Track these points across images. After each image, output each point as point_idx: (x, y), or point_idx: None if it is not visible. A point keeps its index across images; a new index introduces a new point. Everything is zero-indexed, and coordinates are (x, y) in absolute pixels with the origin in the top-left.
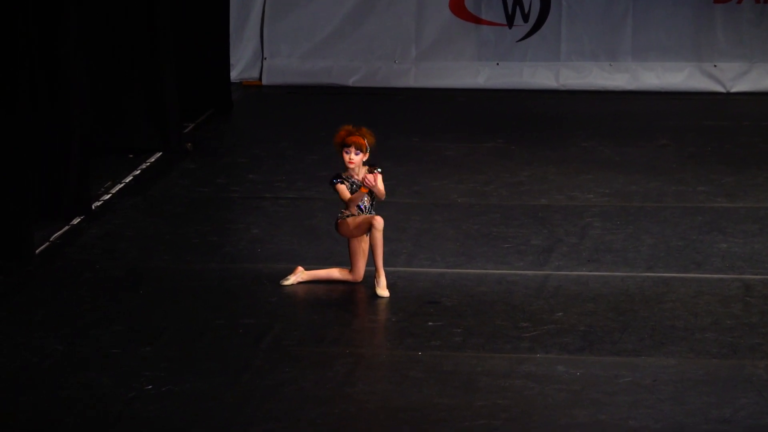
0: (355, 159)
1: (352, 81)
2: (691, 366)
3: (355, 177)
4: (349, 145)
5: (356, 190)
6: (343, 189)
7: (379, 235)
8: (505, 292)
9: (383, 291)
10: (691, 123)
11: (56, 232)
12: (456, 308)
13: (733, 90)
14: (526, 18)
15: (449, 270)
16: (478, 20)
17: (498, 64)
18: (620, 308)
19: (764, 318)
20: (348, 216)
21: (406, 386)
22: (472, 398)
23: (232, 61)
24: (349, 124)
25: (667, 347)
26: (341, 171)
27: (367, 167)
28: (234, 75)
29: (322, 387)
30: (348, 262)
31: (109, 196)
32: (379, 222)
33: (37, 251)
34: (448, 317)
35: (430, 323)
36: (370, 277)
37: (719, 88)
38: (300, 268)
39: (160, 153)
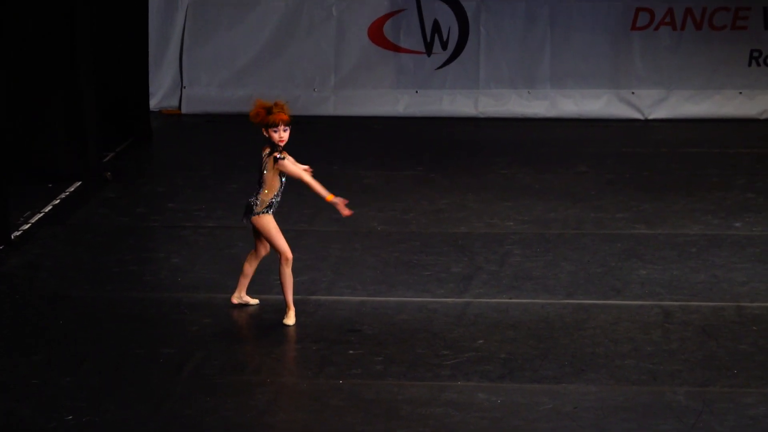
0: (285, 136)
1: None
2: (612, 393)
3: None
4: (277, 124)
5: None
6: (292, 164)
7: (288, 271)
8: (426, 319)
9: (290, 320)
10: (609, 150)
11: None
12: (377, 336)
13: (651, 117)
14: (444, 45)
15: (370, 298)
16: (396, 48)
17: (417, 91)
18: (540, 335)
19: (684, 344)
20: (267, 211)
21: (327, 415)
22: (394, 426)
23: (151, 90)
24: (259, 99)
25: (587, 374)
26: (271, 147)
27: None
28: (153, 103)
29: (243, 416)
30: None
31: (29, 225)
32: (289, 259)
33: None
34: (369, 345)
35: (350, 351)
36: (280, 304)
37: (637, 115)
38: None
39: (80, 182)
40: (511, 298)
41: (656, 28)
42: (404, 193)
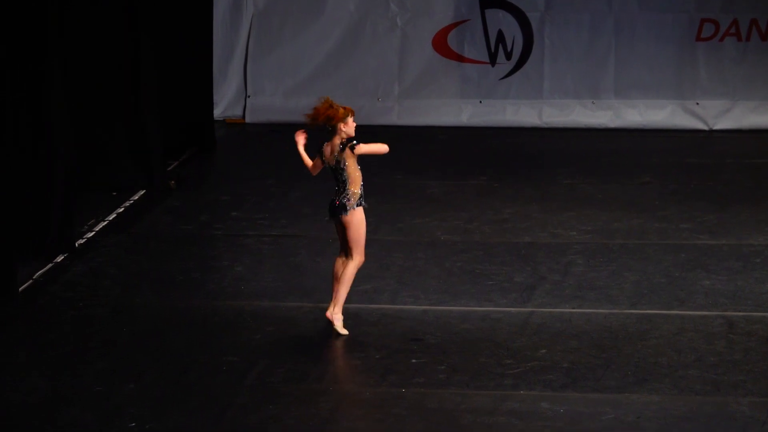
0: (354, 126)
1: None
2: (675, 403)
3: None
4: (348, 116)
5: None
6: (365, 144)
7: (354, 274)
8: (489, 329)
9: (342, 329)
10: (673, 160)
11: (40, 270)
12: (440, 345)
13: (716, 127)
14: (509, 56)
15: (433, 307)
16: (460, 58)
17: (481, 101)
18: (603, 345)
19: (747, 355)
20: (361, 203)
21: (390, 423)
22: None
23: (215, 99)
24: (322, 103)
25: (650, 384)
26: (342, 142)
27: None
28: (217, 113)
29: (306, 424)
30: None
31: (93, 233)
32: (361, 263)
33: (20, 289)
34: (432, 354)
35: (413, 360)
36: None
37: (702, 126)
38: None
39: (144, 191)
40: (574, 308)
41: (721, 39)
42: (468, 203)
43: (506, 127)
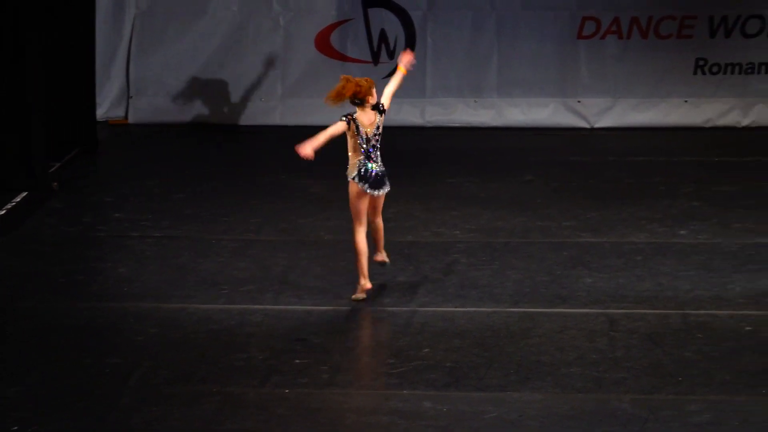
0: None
1: (218, 119)
2: (557, 401)
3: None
4: (372, 87)
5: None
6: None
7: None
8: (372, 328)
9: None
10: (556, 158)
11: None
12: (323, 345)
13: (597, 125)
14: (391, 55)
15: (316, 307)
16: (343, 57)
17: None
18: (486, 344)
19: (629, 352)
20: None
21: (274, 424)
22: None
23: (98, 100)
24: (345, 82)
25: (532, 382)
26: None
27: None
28: (100, 114)
29: (190, 425)
30: None
31: None
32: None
33: None
34: (316, 354)
35: (297, 361)
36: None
37: (584, 124)
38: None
39: (26, 192)
40: (457, 307)
41: (602, 37)
42: None
43: (389, 126)
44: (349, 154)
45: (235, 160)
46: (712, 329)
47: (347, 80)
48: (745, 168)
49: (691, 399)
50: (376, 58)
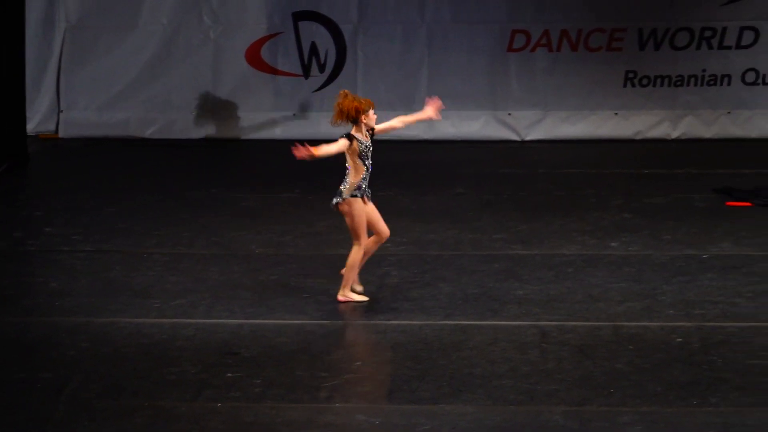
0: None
1: (149, 132)
2: (489, 413)
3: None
4: (370, 108)
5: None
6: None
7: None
8: (304, 342)
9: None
10: (487, 171)
11: None
12: (255, 359)
13: (528, 138)
14: (322, 68)
15: (248, 321)
16: (274, 71)
17: (295, 114)
18: (418, 356)
19: (560, 364)
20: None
21: None
22: None
23: (28, 114)
24: (344, 99)
25: (465, 395)
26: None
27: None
28: (30, 128)
29: None
30: None
31: None
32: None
33: None
34: (248, 368)
35: (229, 374)
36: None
37: (514, 137)
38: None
39: None
40: (389, 320)
41: (533, 50)
42: (282, 216)
43: (321, 140)
44: (349, 173)
45: (167, 173)
46: (643, 341)
47: (349, 98)
48: (675, 180)
49: (622, 411)
50: (306, 72)
